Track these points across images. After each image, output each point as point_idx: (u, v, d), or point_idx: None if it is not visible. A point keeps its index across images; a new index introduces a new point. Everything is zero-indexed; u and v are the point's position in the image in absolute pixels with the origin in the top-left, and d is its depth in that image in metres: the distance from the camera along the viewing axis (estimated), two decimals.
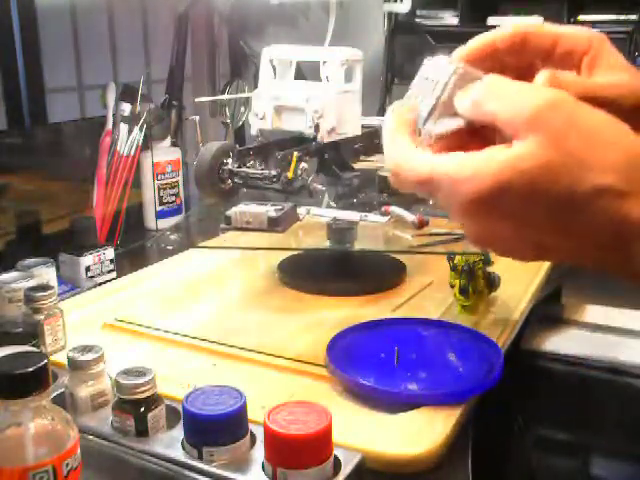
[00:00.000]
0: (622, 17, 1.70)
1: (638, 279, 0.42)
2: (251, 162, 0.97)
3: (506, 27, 0.47)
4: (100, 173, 1.26)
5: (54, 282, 0.93)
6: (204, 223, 1.37)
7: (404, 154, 0.44)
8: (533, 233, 0.41)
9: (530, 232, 0.41)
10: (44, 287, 0.83)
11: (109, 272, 1.10)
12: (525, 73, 0.46)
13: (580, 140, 0.39)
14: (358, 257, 1.10)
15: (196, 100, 1.42)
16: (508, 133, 0.40)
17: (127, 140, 1.28)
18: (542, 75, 0.43)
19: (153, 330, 0.90)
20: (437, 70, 0.45)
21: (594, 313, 1.17)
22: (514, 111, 0.40)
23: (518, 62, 0.47)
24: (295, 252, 1.13)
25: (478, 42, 0.47)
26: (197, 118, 1.02)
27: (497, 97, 0.41)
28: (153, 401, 0.65)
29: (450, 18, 1.84)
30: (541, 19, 1.44)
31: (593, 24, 1.70)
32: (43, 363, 0.49)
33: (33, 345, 0.78)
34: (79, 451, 0.51)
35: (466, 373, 0.77)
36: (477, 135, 0.44)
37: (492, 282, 0.95)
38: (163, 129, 1.38)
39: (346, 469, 0.60)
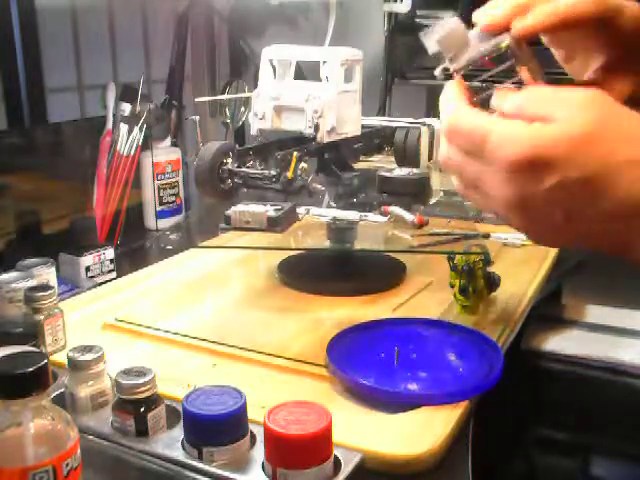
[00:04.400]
0: None
1: None
2: (251, 162, 0.97)
3: None
4: (100, 173, 1.26)
5: (54, 282, 0.93)
6: (204, 223, 1.37)
7: (464, 110, 0.48)
8: (566, 199, 0.44)
9: (563, 197, 0.44)
10: (44, 287, 0.83)
11: (109, 272, 1.10)
12: None
13: (617, 125, 0.43)
14: (358, 257, 1.10)
15: (196, 100, 1.42)
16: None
17: (127, 140, 1.28)
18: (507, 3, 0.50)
19: (153, 330, 0.90)
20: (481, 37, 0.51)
21: (594, 313, 1.17)
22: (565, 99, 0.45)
23: None
24: (295, 252, 1.13)
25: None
26: (197, 118, 1.02)
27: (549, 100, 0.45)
28: (153, 401, 0.65)
29: (450, 18, 1.84)
30: None
31: None
32: (43, 363, 0.49)
33: (33, 345, 0.78)
34: (79, 451, 0.51)
35: (466, 373, 0.77)
36: None
37: (492, 282, 0.95)
38: (163, 129, 1.38)
39: (346, 469, 0.60)
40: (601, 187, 0.43)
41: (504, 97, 0.48)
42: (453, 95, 0.50)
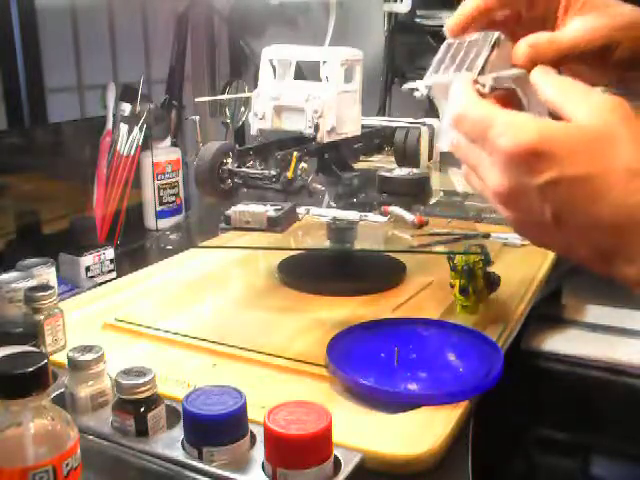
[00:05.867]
0: None
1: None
2: (251, 162, 0.97)
3: None
4: (100, 173, 1.26)
5: (54, 282, 0.93)
6: (204, 223, 1.37)
7: (472, 99, 0.49)
8: (559, 198, 0.43)
9: (556, 195, 0.43)
10: (44, 287, 0.83)
11: (109, 272, 1.10)
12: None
13: (629, 135, 0.43)
14: (358, 257, 1.10)
15: (196, 100, 1.42)
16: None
17: (127, 140, 1.28)
18: (522, 48, 0.51)
19: (153, 330, 0.90)
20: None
21: (594, 313, 1.17)
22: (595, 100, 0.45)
23: (509, 14, 0.56)
24: (295, 252, 1.13)
25: (468, 7, 0.54)
26: (197, 118, 1.02)
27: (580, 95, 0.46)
28: (153, 401, 0.65)
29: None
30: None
31: None
32: (43, 363, 0.49)
33: (33, 345, 0.78)
34: (79, 451, 0.51)
35: (466, 373, 0.77)
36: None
37: (492, 282, 0.95)
38: (163, 129, 1.38)
39: (346, 469, 0.60)
40: (597, 191, 0.42)
41: (546, 77, 0.49)
42: (463, 86, 0.50)
